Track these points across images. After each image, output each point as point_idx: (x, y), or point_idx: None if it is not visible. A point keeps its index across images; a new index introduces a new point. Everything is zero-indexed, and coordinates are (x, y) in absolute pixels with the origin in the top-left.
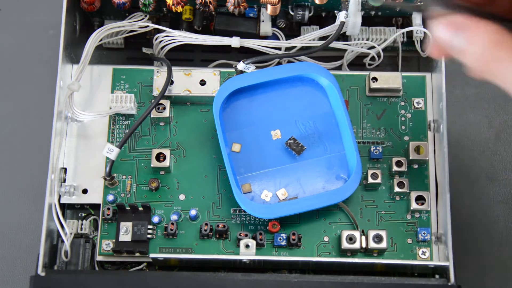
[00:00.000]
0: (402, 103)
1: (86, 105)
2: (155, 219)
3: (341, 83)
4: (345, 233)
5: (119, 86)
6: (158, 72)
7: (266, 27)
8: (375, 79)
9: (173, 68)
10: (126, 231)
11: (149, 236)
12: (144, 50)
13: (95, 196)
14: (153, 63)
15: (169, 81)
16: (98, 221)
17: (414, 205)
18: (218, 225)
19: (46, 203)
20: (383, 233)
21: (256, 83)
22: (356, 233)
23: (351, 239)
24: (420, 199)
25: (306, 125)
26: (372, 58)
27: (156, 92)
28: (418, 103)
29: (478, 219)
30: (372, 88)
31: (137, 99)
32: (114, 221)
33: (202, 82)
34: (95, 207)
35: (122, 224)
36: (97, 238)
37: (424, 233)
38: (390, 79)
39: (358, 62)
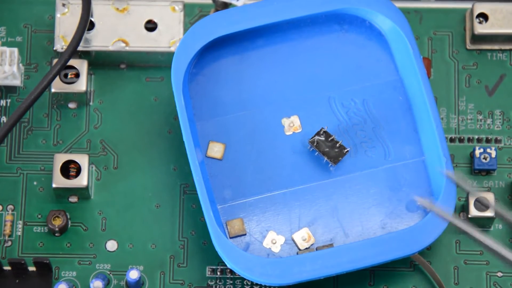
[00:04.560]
0: None
1: None
2: None
3: (416, 26)
4: None
5: None
6: (64, 5)
7: None
8: (483, 16)
9: None
10: None
11: None
12: None
13: None
14: None
15: (87, 24)
16: None
17: None
18: None
19: None
20: None
21: (254, 28)
22: None
23: None
24: None
25: (348, 108)
26: None
27: (60, 45)
28: None
29: None
30: (477, 34)
31: (24, 58)
32: None
33: (151, 26)
34: None
35: None
36: None
37: None
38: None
39: None
